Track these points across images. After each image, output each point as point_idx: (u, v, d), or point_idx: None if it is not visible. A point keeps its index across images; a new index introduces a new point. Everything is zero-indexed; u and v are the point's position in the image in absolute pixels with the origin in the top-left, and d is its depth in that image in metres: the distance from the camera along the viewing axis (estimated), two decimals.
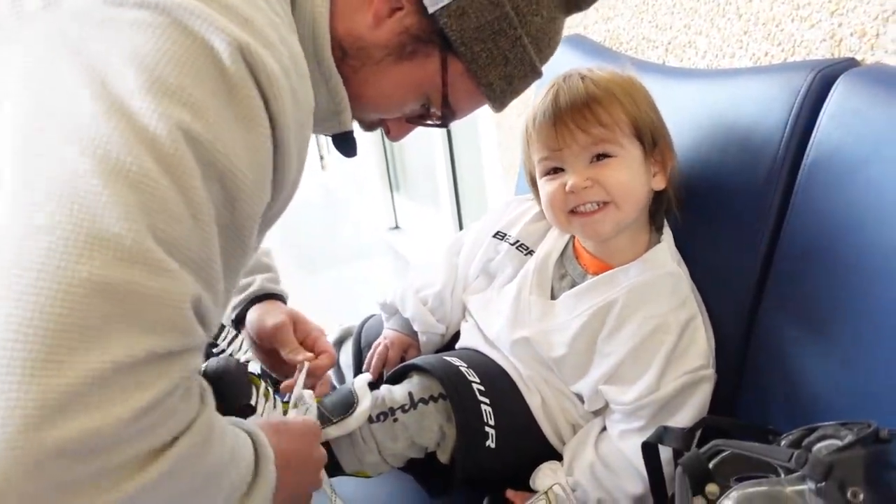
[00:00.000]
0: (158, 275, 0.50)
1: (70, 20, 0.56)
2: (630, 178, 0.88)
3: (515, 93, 0.79)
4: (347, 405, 0.90)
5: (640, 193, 0.90)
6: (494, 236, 1.05)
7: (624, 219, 0.90)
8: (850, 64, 0.86)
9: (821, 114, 0.83)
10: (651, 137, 0.89)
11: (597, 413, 0.94)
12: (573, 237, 0.98)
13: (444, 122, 0.79)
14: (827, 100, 0.83)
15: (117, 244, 0.48)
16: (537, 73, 0.79)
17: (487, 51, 0.73)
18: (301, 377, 0.90)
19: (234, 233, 0.58)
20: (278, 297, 1.03)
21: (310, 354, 0.95)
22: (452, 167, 2.47)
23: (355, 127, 0.80)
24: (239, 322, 1.01)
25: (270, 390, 0.95)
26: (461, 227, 2.55)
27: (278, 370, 1.02)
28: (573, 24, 1.41)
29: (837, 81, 0.83)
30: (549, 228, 1.01)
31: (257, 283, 1.02)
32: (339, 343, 1.19)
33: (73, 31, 0.55)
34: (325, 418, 0.90)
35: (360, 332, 1.17)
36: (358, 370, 1.13)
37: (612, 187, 0.87)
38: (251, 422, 0.79)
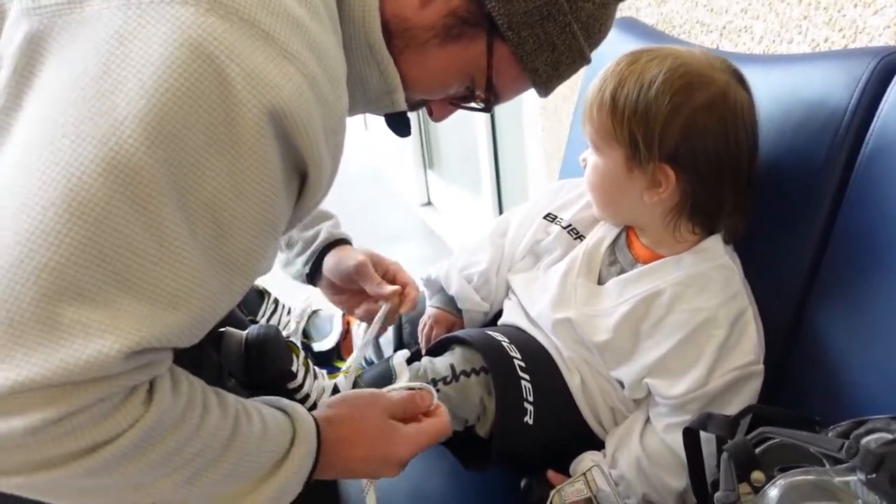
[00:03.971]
0: (96, 308, 0.54)
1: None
2: (597, 177, 0.92)
3: (562, 78, 0.78)
4: (386, 381, 0.90)
5: (615, 196, 0.92)
6: (545, 217, 1.04)
7: (601, 211, 0.96)
8: None
9: (883, 102, 0.81)
10: (641, 147, 0.85)
11: (637, 401, 0.93)
12: (627, 226, 0.97)
13: (487, 106, 0.78)
14: (890, 88, 0.81)
15: (63, 279, 0.53)
16: (585, 60, 0.77)
17: (535, 36, 0.72)
18: (381, 315, 0.95)
19: (228, 263, 0.60)
20: (346, 242, 1.05)
21: (396, 287, 0.99)
22: (495, 150, 2.46)
23: None
24: (313, 275, 1.03)
25: (310, 361, 0.96)
26: (501, 212, 2.54)
27: (358, 310, 1.05)
28: (624, 6, 1.39)
29: None
30: None
31: (324, 231, 1.04)
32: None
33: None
34: None
35: None
36: (399, 345, 1.13)
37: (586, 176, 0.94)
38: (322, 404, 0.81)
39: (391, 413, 0.79)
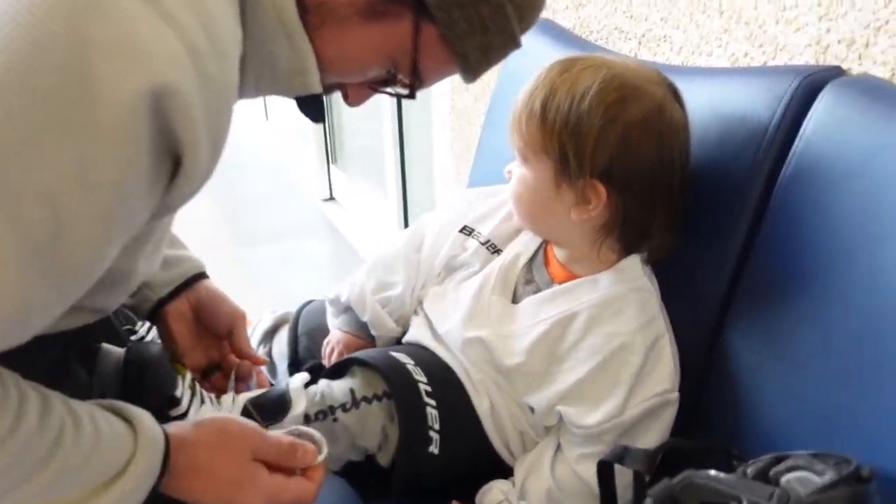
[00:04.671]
0: None
1: None
2: (523, 190, 0.86)
3: (491, 63, 0.72)
4: (280, 408, 0.82)
5: (540, 212, 0.86)
6: (461, 231, 0.97)
7: (525, 226, 0.90)
8: (837, 72, 0.83)
9: (805, 122, 0.79)
10: (572, 162, 0.80)
11: (547, 427, 0.88)
12: (545, 243, 0.92)
13: (411, 91, 0.72)
14: (812, 108, 0.79)
15: None
16: (516, 44, 0.72)
17: (466, 17, 0.66)
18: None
19: (64, 264, 0.54)
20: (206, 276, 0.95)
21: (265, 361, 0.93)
22: (401, 149, 2.40)
23: None
24: (167, 301, 0.91)
25: (196, 383, 0.86)
26: (406, 211, 2.48)
27: (199, 353, 0.93)
28: None
29: (824, 90, 0.79)
30: (520, 229, 0.94)
31: (194, 260, 0.93)
32: (273, 332, 1.10)
33: None
34: (255, 421, 0.81)
35: (297, 319, 1.09)
36: (294, 361, 1.04)
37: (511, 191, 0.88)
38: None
39: (261, 456, 0.72)
